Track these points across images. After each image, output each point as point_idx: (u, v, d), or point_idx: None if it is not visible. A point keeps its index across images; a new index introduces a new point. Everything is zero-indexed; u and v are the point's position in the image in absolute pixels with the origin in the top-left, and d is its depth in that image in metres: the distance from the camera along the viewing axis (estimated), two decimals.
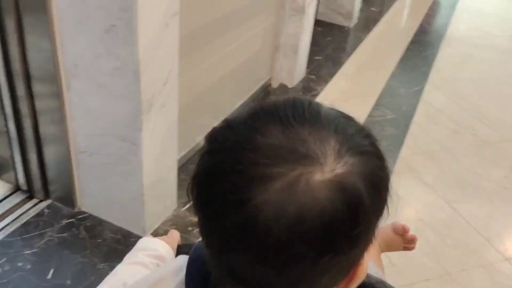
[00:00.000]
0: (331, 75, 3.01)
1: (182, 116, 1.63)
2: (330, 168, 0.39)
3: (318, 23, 3.80)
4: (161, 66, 1.39)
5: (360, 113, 2.62)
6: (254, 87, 2.65)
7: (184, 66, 1.65)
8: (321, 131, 0.41)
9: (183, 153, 1.98)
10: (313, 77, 2.97)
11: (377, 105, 2.73)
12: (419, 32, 3.87)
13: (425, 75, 3.14)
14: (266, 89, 2.77)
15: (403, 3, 4.59)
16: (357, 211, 0.40)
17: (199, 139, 2.10)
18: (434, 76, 3.13)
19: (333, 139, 0.41)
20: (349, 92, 2.86)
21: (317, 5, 3.84)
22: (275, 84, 2.81)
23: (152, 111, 1.40)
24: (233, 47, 2.22)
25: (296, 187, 0.38)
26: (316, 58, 3.21)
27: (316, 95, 2.77)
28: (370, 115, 2.62)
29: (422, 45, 3.64)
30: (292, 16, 2.63)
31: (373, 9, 4.32)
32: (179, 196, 1.78)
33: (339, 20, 3.81)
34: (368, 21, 3.99)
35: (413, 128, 2.54)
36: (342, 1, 3.75)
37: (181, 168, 1.84)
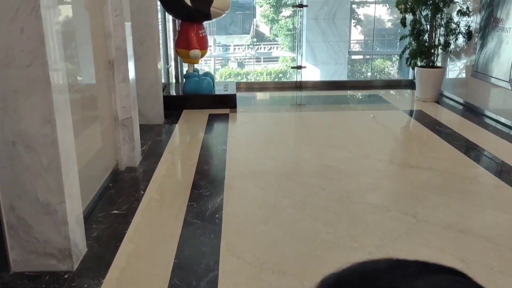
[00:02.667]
0: None
1: None
2: None
3: (17, 277, 2.15)
4: None
5: None
6: None
7: None
8: None
9: None
10: None
11: None
12: (191, 217, 2.55)
13: None
14: None
15: (161, 184, 3.31)
16: None
17: None
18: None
19: None
20: None
21: (7, 255, 2.23)
22: None
23: None
24: None
25: None
26: None
27: None
28: None
29: (198, 236, 2.28)
30: None
31: (115, 211, 2.89)
32: None
33: (51, 265, 2.23)
34: (104, 248, 2.50)
35: None
36: (47, 235, 2.20)
37: None
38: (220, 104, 5.31)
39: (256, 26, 23.49)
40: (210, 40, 23.41)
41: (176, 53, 5.51)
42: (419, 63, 5.67)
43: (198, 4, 5.03)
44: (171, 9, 5.26)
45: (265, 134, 4.45)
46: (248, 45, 22.41)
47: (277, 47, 22.12)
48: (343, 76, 15.67)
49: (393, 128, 4.73)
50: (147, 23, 4.46)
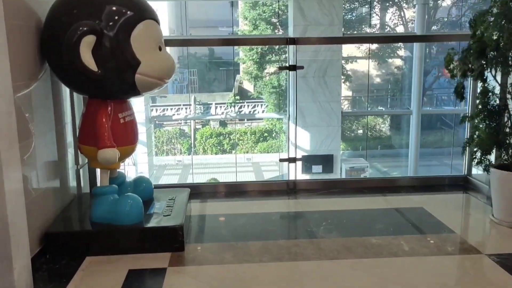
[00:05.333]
0: None
1: None
2: None
3: None
4: None
5: None
6: None
7: None
8: None
9: None
10: None
11: None
12: None
13: None
14: None
15: None
16: None
17: None
18: None
19: None
20: None
21: None
22: None
23: None
24: None
25: None
26: None
27: None
28: None
29: None
30: None
31: None
32: None
33: None
34: None
35: None
36: None
37: None
38: (153, 244, 2.83)
39: (240, 83, 21.40)
40: (190, 99, 21.11)
41: (80, 151, 3.07)
42: (492, 160, 3.33)
43: (111, 68, 2.66)
44: (68, 80, 2.88)
45: None
46: (230, 103, 20.24)
47: (261, 105, 19.97)
48: (337, 139, 13.43)
49: None
50: None
